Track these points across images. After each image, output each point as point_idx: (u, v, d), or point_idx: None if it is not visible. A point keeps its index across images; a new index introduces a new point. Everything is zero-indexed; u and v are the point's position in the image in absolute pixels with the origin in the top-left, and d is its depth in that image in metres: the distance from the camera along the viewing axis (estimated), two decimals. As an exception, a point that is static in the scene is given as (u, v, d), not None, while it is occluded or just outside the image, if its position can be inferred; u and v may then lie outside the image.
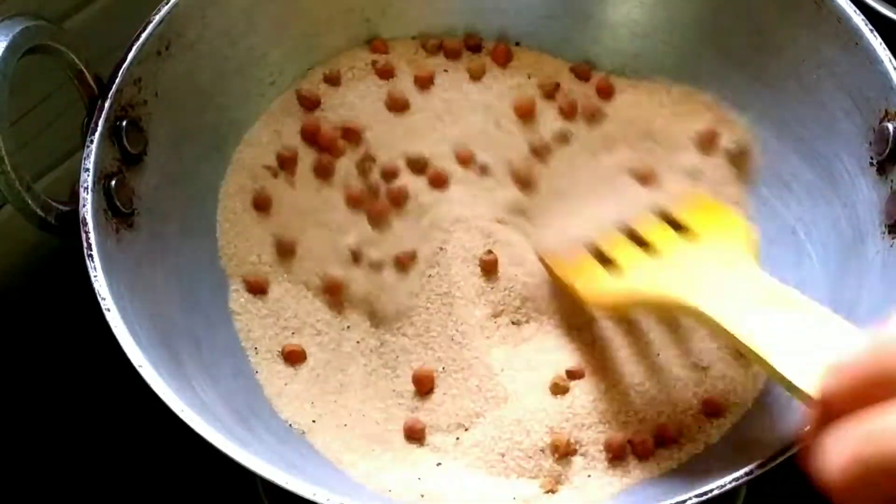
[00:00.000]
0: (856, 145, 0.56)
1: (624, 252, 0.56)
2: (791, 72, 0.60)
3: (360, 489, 0.53)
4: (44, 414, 0.66)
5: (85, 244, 0.50)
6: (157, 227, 0.56)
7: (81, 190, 0.52)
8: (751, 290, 0.49)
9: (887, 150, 0.54)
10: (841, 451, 0.32)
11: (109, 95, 0.54)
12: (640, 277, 0.54)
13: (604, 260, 0.56)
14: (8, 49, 0.51)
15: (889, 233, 0.54)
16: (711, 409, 0.55)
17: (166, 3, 0.57)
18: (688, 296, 0.51)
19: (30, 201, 0.52)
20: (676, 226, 0.56)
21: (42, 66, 0.54)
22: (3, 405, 0.66)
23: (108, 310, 0.49)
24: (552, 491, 0.53)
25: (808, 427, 0.35)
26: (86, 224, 0.51)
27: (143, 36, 0.56)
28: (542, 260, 0.60)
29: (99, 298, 0.49)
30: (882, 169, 0.55)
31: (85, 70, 0.55)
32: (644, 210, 0.58)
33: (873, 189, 0.55)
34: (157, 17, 0.56)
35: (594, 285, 0.56)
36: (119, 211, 0.53)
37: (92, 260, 0.50)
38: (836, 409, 0.34)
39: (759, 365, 0.47)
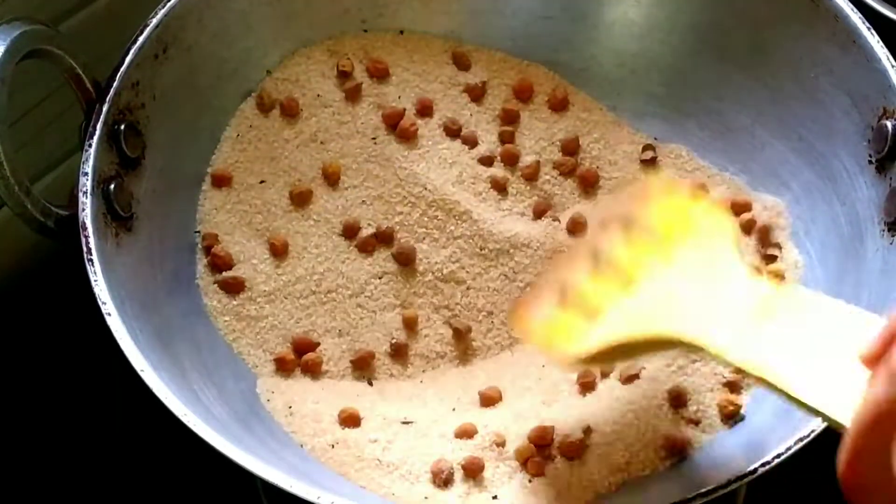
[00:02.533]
0: (854, 143, 0.56)
1: (598, 291, 0.49)
2: (789, 71, 0.60)
3: (361, 492, 0.53)
4: (44, 416, 0.66)
5: (85, 249, 0.50)
6: (155, 231, 0.56)
7: (80, 194, 0.52)
8: (744, 302, 0.44)
9: (886, 148, 0.55)
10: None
11: (107, 99, 0.54)
12: (619, 317, 0.47)
13: (579, 308, 0.50)
14: (6, 53, 0.51)
15: (888, 230, 0.54)
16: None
17: (163, 7, 0.57)
18: (673, 326, 0.45)
19: (29, 206, 0.52)
20: (647, 235, 0.50)
21: (39, 68, 0.54)
22: (3, 407, 0.65)
23: (109, 314, 0.49)
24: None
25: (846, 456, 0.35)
26: (85, 228, 0.51)
27: (141, 39, 0.56)
28: (514, 328, 0.57)
29: (100, 303, 0.49)
30: (881, 167, 0.55)
31: (83, 74, 0.55)
32: (609, 229, 0.52)
33: (872, 187, 0.55)
34: (155, 21, 0.56)
35: (570, 341, 0.49)
36: (118, 215, 0.53)
37: (92, 264, 0.50)
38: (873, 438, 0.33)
39: (777, 394, 0.41)
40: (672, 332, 0.45)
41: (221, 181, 0.60)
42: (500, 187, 0.62)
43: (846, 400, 0.37)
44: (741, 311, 0.43)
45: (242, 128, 0.61)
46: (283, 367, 0.57)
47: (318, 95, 0.62)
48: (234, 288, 0.58)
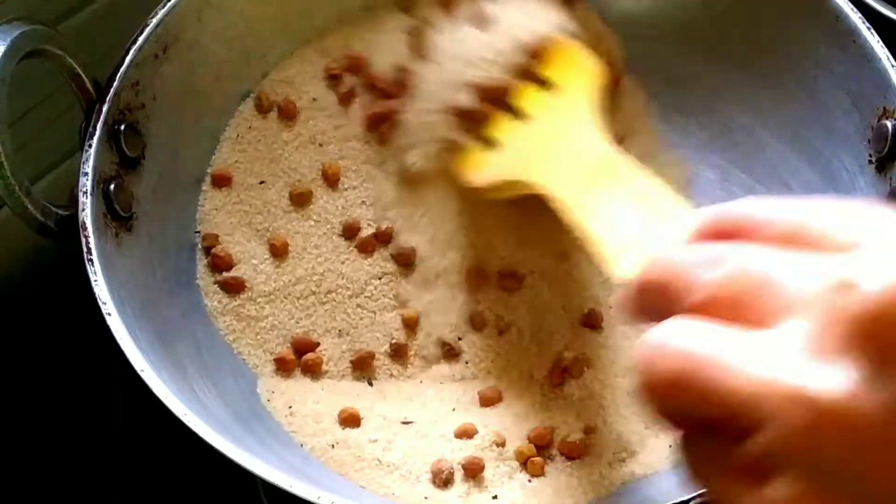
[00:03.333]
0: (854, 143, 0.56)
1: (497, 125, 0.57)
2: (789, 71, 0.60)
3: (361, 492, 0.53)
4: (44, 416, 0.66)
5: (85, 249, 0.50)
6: (155, 231, 0.56)
7: (80, 194, 0.51)
8: (589, 162, 0.50)
9: (886, 148, 0.55)
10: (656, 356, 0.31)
11: (107, 99, 0.54)
12: (504, 158, 0.55)
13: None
14: (6, 53, 0.50)
15: (888, 231, 0.54)
16: None
17: (163, 6, 0.57)
18: (534, 176, 0.52)
19: (29, 206, 0.52)
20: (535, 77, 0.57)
21: (39, 68, 0.54)
22: (3, 408, 0.65)
23: (109, 314, 0.49)
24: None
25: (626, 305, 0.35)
26: (85, 228, 0.51)
27: (141, 39, 0.56)
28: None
29: (100, 303, 0.49)
30: (881, 167, 0.55)
31: (83, 74, 0.55)
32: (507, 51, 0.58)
33: (872, 187, 0.55)
34: (154, 21, 0.56)
35: (474, 172, 0.57)
36: (118, 215, 0.53)
37: (92, 265, 0.50)
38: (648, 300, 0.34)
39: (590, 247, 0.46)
40: (530, 179, 0.53)
41: (221, 181, 0.60)
42: None
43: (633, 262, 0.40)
44: (584, 165, 0.50)
45: (242, 129, 0.61)
46: (283, 367, 0.57)
47: (314, 99, 0.62)
48: (234, 288, 0.58)
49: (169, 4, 0.57)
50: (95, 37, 0.60)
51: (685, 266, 0.32)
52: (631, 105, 0.64)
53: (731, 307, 0.31)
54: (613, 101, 0.62)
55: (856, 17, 0.57)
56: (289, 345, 0.58)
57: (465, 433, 0.55)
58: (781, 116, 0.61)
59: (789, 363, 0.28)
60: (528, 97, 0.57)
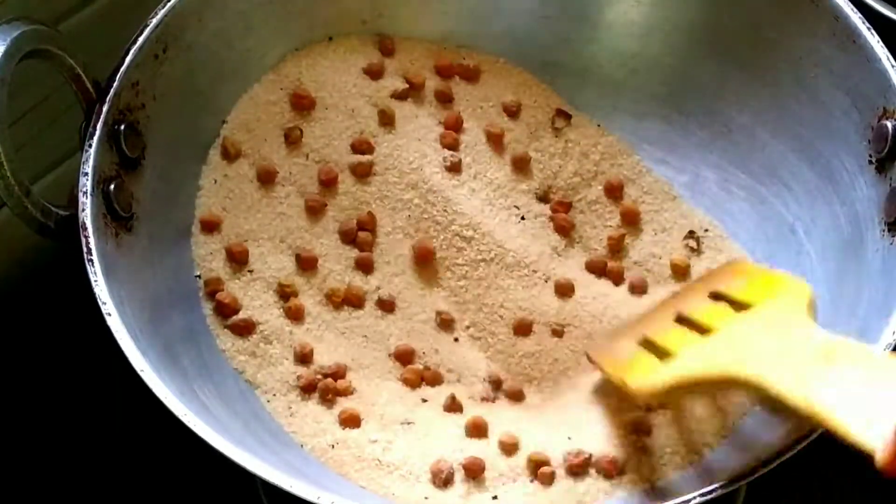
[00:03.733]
0: (854, 143, 0.56)
1: (676, 338, 0.53)
2: (789, 71, 0.60)
3: (361, 493, 0.53)
4: (44, 416, 0.66)
5: (85, 249, 0.50)
6: (155, 231, 0.56)
7: (80, 194, 0.51)
8: (808, 350, 0.46)
9: (886, 148, 0.55)
10: None
11: (108, 99, 0.54)
12: (692, 357, 0.51)
13: (658, 352, 0.53)
14: (6, 53, 0.50)
15: (888, 231, 0.54)
16: None
17: (163, 7, 0.57)
18: (741, 368, 0.47)
19: (29, 206, 0.52)
20: (731, 303, 0.53)
21: (39, 68, 0.54)
22: (3, 408, 0.65)
23: (109, 314, 0.49)
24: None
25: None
26: (85, 229, 0.51)
27: (141, 39, 0.56)
28: (591, 359, 0.58)
29: (100, 303, 0.49)
30: (881, 167, 0.55)
31: (83, 74, 0.55)
32: (694, 295, 0.56)
33: (872, 187, 0.55)
34: (154, 21, 0.56)
35: (645, 376, 0.52)
36: (118, 215, 0.53)
37: (92, 265, 0.50)
38: None
39: (826, 428, 0.43)
40: (736, 372, 0.47)
41: (210, 226, 0.59)
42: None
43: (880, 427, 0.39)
44: (803, 357, 0.46)
45: (218, 175, 0.60)
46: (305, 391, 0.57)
47: (265, 140, 0.61)
48: (244, 330, 0.57)
49: (169, 4, 0.57)
50: (95, 37, 0.60)
51: None
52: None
53: None
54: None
55: (856, 17, 0.57)
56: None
57: (477, 428, 0.55)
58: (781, 116, 0.61)
59: None
60: (715, 315, 0.53)
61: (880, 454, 0.37)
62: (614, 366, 0.55)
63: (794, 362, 0.45)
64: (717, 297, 0.54)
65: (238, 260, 0.58)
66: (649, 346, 0.54)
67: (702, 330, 0.52)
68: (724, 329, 0.51)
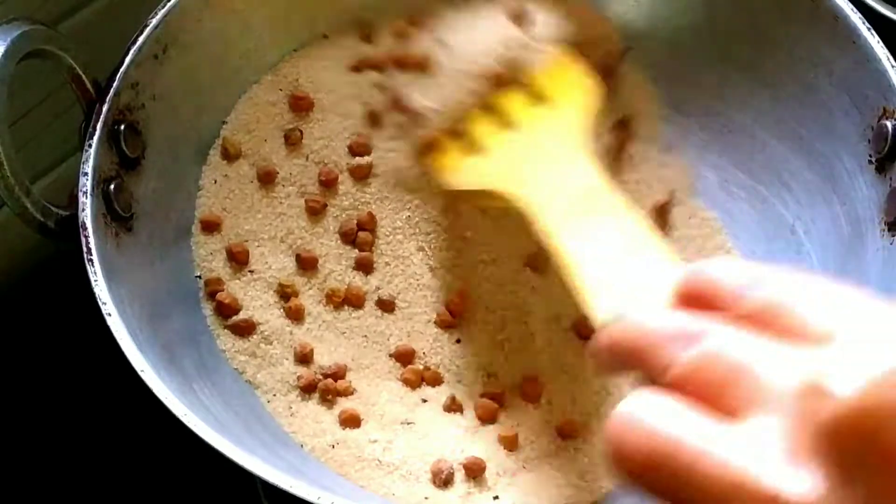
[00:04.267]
0: (854, 143, 0.56)
1: (480, 128, 0.56)
2: (789, 71, 0.60)
3: (362, 493, 0.53)
4: (44, 416, 0.66)
5: (85, 249, 0.50)
6: (155, 231, 0.56)
7: (80, 194, 0.51)
8: (578, 189, 0.49)
9: (886, 148, 0.55)
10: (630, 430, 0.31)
11: (107, 99, 0.54)
12: (486, 164, 0.55)
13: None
14: (6, 53, 0.50)
15: (888, 230, 0.54)
16: None
17: (163, 7, 0.57)
18: (521, 189, 0.51)
19: (29, 206, 0.52)
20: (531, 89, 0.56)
21: (39, 68, 0.54)
22: (3, 407, 0.65)
23: (109, 314, 0.49)
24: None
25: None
26: (85, 229, 0.51)
27: (141, 39, 0.56)
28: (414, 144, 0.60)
29: (100, 303, 0.49)
30: (881, 167, 0.55)
31: (83, 74, 0.55)
32: (505, 57, 0.57)
33: (872, 187, 0.55)
34: (154, 21, 0.56)
35: (452, 173, 0.57)
36: (118, 215, 0.53)
37: (92, 265, 0.50)
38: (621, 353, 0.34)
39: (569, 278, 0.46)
40: (517, 193, 0.52)
41: (210, 227, 0.59)
42: None
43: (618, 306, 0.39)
44: (572, 191, 0.50)
45: (218, 175, 0.60)
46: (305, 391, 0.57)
47: (265, 140, 0.61)
48: (244, 331, 0.57)
49: (169, 4, 0.57)
50: (95, 37, 0.60)
51: (662, 336, 0.33)
52: (631, 91, 0.64)
53: (705, 389, 0.31)
54: (611, 86, 0.62)
55: (856, 17, 0.57)
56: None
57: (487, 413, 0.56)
58: (781, 116, 0.61)
59: (765, 464, 0.29)
60: (519, 105, 0.57)
61: (603, 332, 0.36)
62: (433, 155, 0.58)
63: (562, 196, 0.49)
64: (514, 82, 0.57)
65: (239, 260, 0.58)
66: (460, 131, 0.57)
67: (504, 118, 0.56)
68: (516, 130, 0.55)
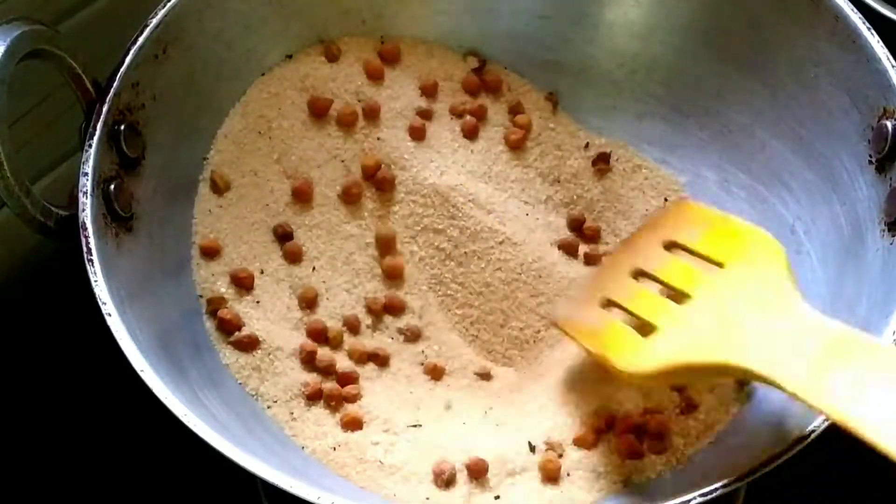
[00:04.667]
0: (854, 144, 0.56)
1: (650, 305, 0.50)
2: (789, 71, 0.60)
3: (362, 493, 0.53)
4: (44, 416, 0.66)
5: (85, 249, 0.50)
6: (155, 231, 0.56)
7: (80, 195, 0.51)
8: (818, 341, 0.43)
9: (886, 148, 0.54)
10: None
11: (107, 100, 0.54)
12: (677, 334, 0.48)
13: (633, 320, 0.51)
14: (6, 53, 0.50)
15: (888, 230, 0.54)
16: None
17: (163, 7, 0.57)
18: (741, 355, 0.44)
19: (29, 206, 0.52)
20: (693, 255, 0.51)
21: (39, 68, 0.54)
22: (3, 407, 0.66)
23: (109, 314, 0.49)
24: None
25: None
26: (85, 229, 0.51)
27: (141, 39, 0.56)
28: (560, 327, 0.57)
29: (100, 303, 0.49)
30: (881, 167, 0.55)
31: (83, 74, 0.55)
32: (647, 246, 0.54)
33: (872, 187, 0.55)
34: (154, 21, 0.56)
35: (630, 355, 0.49)
36: (118, 215, 0.53)
37: (92, 265, 0.50)
38: None
39: (846, 429, 0.40)
40: (742, 363, 0.45)
41: (211, 252, 0.59)
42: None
43: None
44: (810, 351, 0.43)
45: (211, 205, 0.60)
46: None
47: (255, 173, 0.61)
48: (247, 346, 0.57)
49: (169, 4, 0.57)
50: (95, 37, 0.60)
51: None
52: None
53: None
54: None
55: (856, 17, 0.57)
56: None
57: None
58: (781, 116, 0.61)
59: None
60: (684, 275, 0.50)
61: None
62: (590, 338, 0.53)
63: (800, 356, 0.43)
64: (672, 246, 0.52)
65: (244, 286, 0.58)
66: (613, 305, 0.52)
67: (674, 294, 0.49)
68: (702, 296, 0.48)
